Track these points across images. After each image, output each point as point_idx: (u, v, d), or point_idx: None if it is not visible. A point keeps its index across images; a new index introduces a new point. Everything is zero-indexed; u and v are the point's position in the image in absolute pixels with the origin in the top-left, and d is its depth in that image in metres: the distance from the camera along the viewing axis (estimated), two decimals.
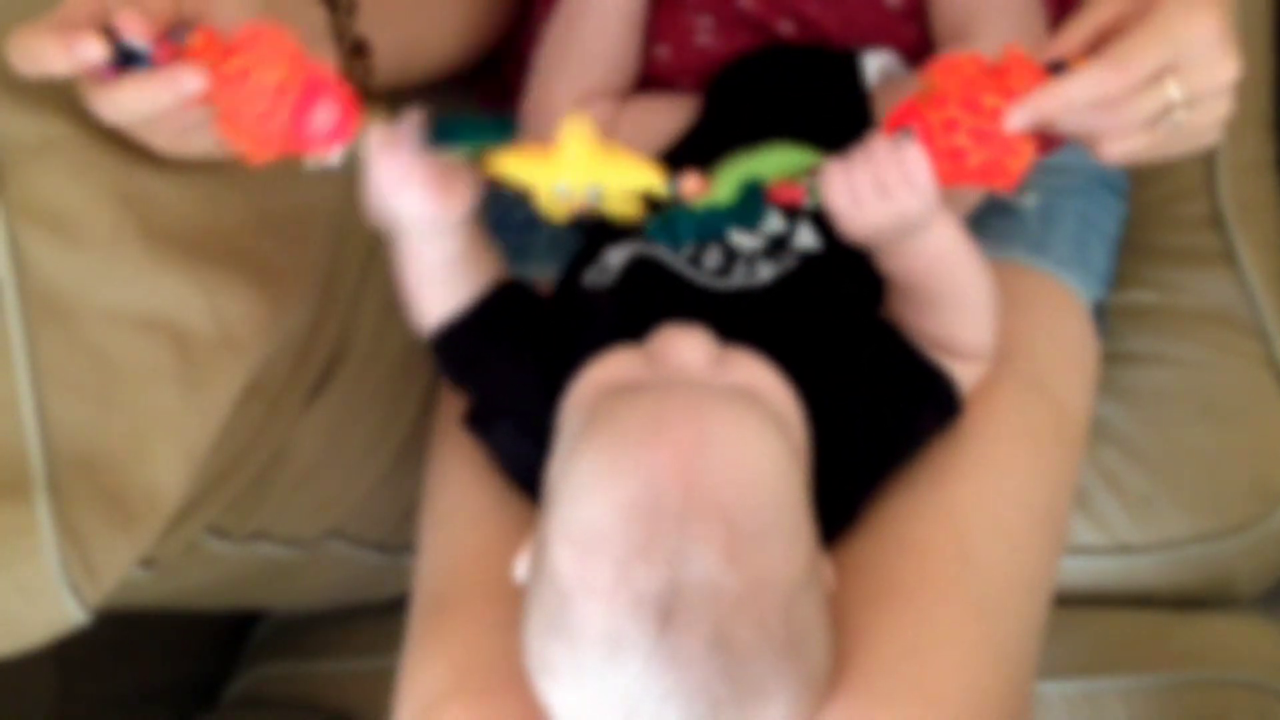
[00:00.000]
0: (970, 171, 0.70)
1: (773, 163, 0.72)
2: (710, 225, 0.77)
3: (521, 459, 0.79)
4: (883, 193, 0.69)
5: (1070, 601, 1.07)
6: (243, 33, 0.67)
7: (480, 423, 0.82)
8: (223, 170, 0.74)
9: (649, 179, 0.71)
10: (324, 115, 0.68)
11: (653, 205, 0.74)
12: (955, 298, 0.76)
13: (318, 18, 0.82)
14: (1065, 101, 0.67)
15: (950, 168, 0.69)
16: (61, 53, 0.65)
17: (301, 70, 0.68)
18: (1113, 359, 1.08)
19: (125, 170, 0.74)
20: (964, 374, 0.78)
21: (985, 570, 0.76)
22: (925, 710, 0.69)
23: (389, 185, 0.71)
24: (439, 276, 0.78)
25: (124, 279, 0.74)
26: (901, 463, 0.78)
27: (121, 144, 0.74)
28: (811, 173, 0.71)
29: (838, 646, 0.69)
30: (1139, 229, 1.11)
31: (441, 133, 0.71)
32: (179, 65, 0.66)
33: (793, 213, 0.79)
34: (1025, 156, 0.69)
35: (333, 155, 0.70)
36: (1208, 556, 1.08)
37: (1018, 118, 0.67)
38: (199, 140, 0.71)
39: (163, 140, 0.71)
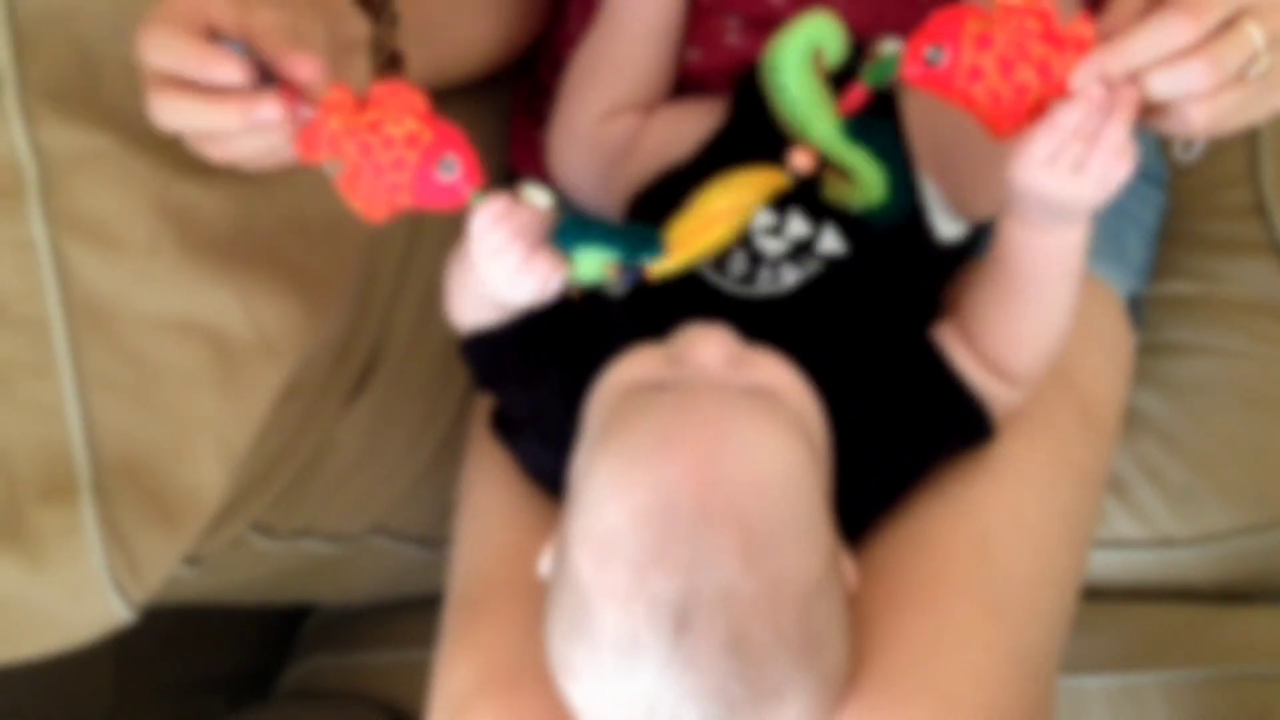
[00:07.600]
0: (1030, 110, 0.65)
1: (805, 48, 0.72)
2: (893, 211, 0.76)
3: (545, 467, 0.79)
4: (1077, 166, 0.65)
5: (1110, 595, 1.07)
6: (375, 90, 0.69)
7: (506, 430, 0.83)
8: (260, 179, 0.75)
9: (775, 179, 0.72)
10: (450, 167, 0.69)
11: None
12: (1043, 310, 0.74)
13: (358, 29, 0.83)
14: (1132, 55, 0.63)
15: (1011, 104, 0.65)
16: (215, 66, 0.65)
17: (432, 125, 0.69)
18: (1153, 350, 1.07)
19: (164, 181, 0.76)
20: (1001, 398, 0.77)
21: (1005, 569, 0.76)
22: (941, 711, 0.69)
23: (484, 254, 0.70)
24: (484, 299, 0.76)
25: (163, 286, 0.76)
26: (925, 473, 0.78)
27: (161, 155, 0.76)
28: (870, 57, 0.69)
29: (856, 646, 0.70)
30: (1180, 218, 1.09)
31: (574, 235, 0.72)
32: (265, 96, 0.66)
33: (819, 215, 0.77)
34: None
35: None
36: (1249, 549, 1.06)
37: (1082, 76, 0.64)
38: (248, 145, 0.70)
39: (216, 150, 0.71)
